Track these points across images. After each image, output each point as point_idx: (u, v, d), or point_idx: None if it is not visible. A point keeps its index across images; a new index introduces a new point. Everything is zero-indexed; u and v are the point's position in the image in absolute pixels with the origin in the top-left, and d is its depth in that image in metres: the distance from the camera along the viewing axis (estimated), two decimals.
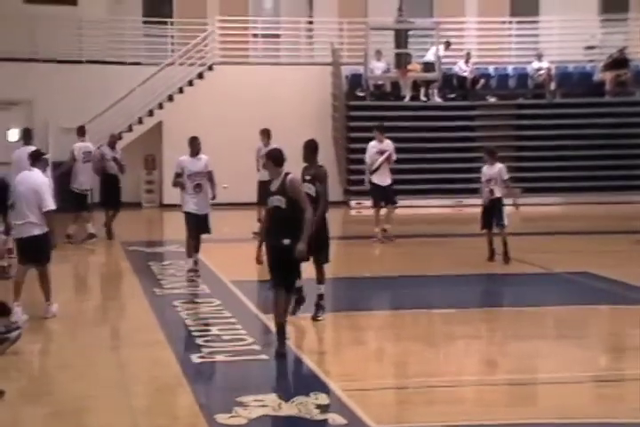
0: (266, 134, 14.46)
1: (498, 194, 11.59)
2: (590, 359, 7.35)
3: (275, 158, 7.33)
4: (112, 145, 14.78)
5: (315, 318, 8.19)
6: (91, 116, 19.19)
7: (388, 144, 13.80)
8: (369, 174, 13.78)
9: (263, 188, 14.73)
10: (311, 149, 8.32)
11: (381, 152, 13.64)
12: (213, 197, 10.80)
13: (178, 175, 10.66)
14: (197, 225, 10.59)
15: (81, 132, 14.41)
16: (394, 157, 13.81)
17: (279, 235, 7.10)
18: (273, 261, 7.22)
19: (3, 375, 6.18)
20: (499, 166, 11.74)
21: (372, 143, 13.87)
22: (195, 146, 10.70)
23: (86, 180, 14.09)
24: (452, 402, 6.11)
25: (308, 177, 8.18)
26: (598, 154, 20.37)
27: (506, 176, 11.70)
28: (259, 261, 8.23)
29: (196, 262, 10.70)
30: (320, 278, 8.34)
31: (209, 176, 10.66)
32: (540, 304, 9.48)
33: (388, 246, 13.50)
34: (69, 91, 19.36)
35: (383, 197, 13.68)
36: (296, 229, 7.04)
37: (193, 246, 10.73)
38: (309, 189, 8.06)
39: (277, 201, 7.14)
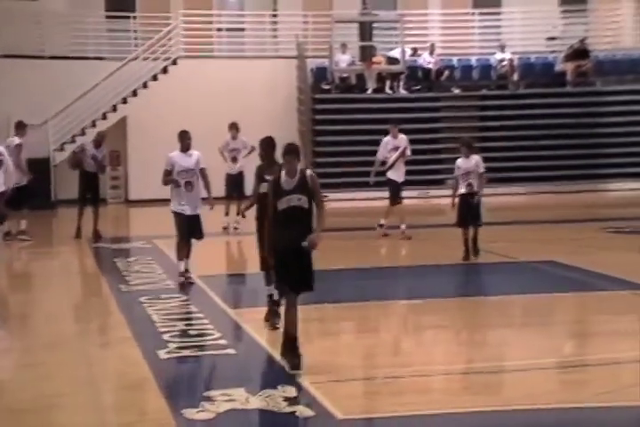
0: (234, 128, 14.44)
1: (476, 188, 11.15)
2: (555, 346, 7.44)
3: (297, 152, 6.59)
4: (97, 144, 14.44)
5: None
6: (54, 111, 19.02)
7: (403, 139, 13.55)
8: (376, 170, 13.59)
9: (231, 181, 14.76)
10: (270, 146, 7.79)
11: (396, 148, 13.41)
12: (208, 197, 10.11)
13: (168, 173, 9.79)
14: (189, 227, 9.80)
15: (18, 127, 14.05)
16: (408, 152, 13.58)
17: (301, 237, 6.43)
18: (290, 266, 6.51)
19: None
20: (475, 158, 11.27)
21: (387, 139, 13.60)
22: (185, 140, 9.90)
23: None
24: (420, 392, 6.15)
25: (268, 176, 7.50)
26: (561, 143, 20.60)
27: (482, 169, 11.26)
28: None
29: (187, 270, 9.95)
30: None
31: (201, 173, 9.92)
32: (506, 293, 9.59)
33: (358, 239, 13.54)
34: (32, 86, 19.14)
35: (397, 193, 13.44)
36: (310, 227, 6.55)
37: (184, 250, 9.99)
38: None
39: (297, 200, 6.46)
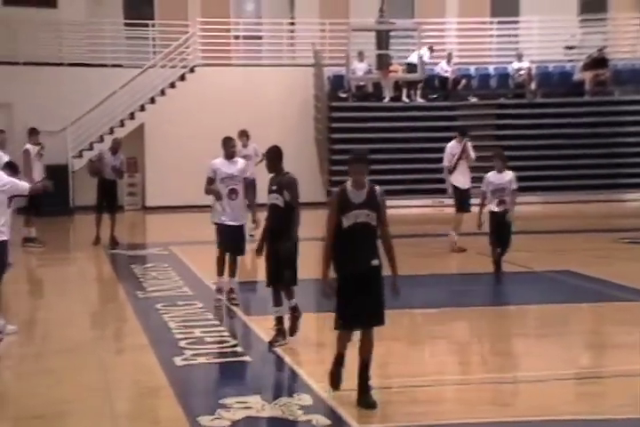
0: (244, 135, 14.46)
1: (508, 206, 10.39)
2: (572, 357, 7.40)
3: (367, 160, 5.95)
4: (114, 151, 14.54)
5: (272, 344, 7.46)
6: (72, 119, 19.16)
7: (467, 145, 13.03)
8: (446, 177, 13.02)
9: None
10: (276, 155, 7.51)
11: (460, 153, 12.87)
12: (249, 205, 9.49)
13: (210, 181, 9.16)
14: (228, 239, 9.01)
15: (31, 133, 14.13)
16: (472, 155, 12.93)
17: (369, 256, 5.84)
18: (358, 293, 5.80)
19: None
20: (510, 174, 10.47)
21: (452, 144, 13.10)
22: (229, 147, 9.26)
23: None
24: (435, 402, 6.14)
25: (274, 187, 7.41)
26: (578, 153, 20.52)
27: (515, 185, 10.48)
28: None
29: (231, 290, 9.18)
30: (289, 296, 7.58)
31: (246, 182, 9.32)
32: (522, 303, 9.55)
33: None
34: (50, 94, 19.30)
35: (463, 200, 12.70)
36: (377, 247, 5.95)
37: (226, 265, 9.25)
38: (276, 199, 7.38)
39: (366, 216, 5.83)
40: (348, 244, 5.83)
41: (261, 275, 11.99)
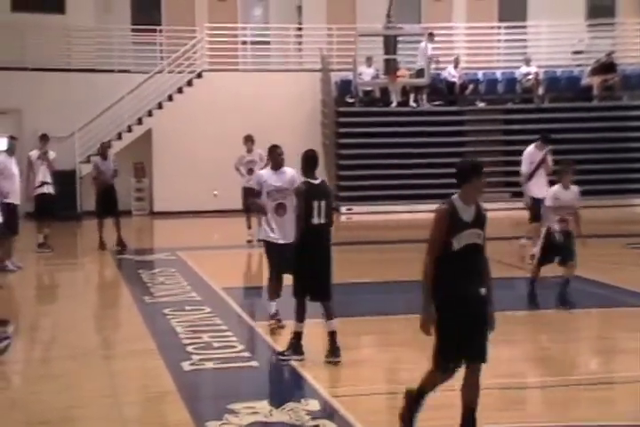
0: (249, 140, 14.47)
1: (570, 225, 9.31)
2: (581, 363, 7.36)
3: (483, 172, 5.22)
4: (104, 155, 14.69)
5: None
6: (80, 124, 19.21)
7: (548, 153, 12.25)
8: (524, 184, 12.25)
9: (248, 194, 14.73)
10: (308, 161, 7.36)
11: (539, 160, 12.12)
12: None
13: (257, 194, 8.20)
14: (286, 259, 7.74)
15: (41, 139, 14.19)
16: (550, 161, 12.16)
17: (476, 282, 5.19)
18: (464, 322, 5.15)
19: None
20: (576, 190, 9.49)
21: (531, 150, 12.32)
22: (276, 156, 8.24)
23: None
24: (443, 407, 6.09)
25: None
26: (587, 158, 20.40)
27: (577, 202, 9.42)
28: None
29: (277, 311, 8.23)
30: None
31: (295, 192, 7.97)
32: (530, 308, 9.49)
33: (381, 253, 13.50)
34: (58, 99, 19.36)
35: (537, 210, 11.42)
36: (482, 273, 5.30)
37: (277, 287, 8.22)
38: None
39: (476, 237, 5.17)
40: (458, 270, 5.15)
41: (264, 279, 12.08)
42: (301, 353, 7.16)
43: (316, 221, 7.16)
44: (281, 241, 7.98)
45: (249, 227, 14.50)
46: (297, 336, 7.20)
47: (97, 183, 14.58)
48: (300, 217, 7.25)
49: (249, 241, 14.35)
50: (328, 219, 7.26)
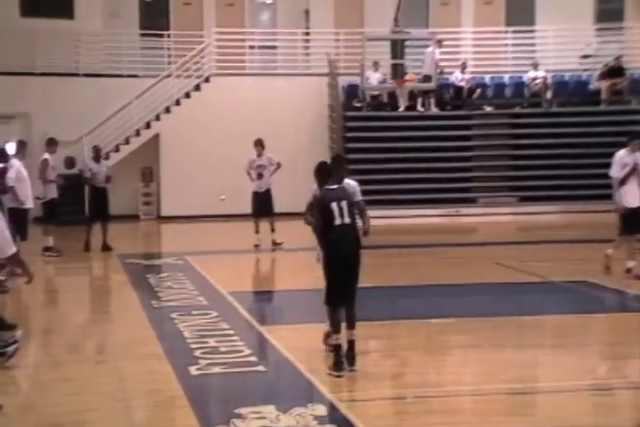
0: (259, 144, 14.49)
1: None
2: (588, 368, 7.35)
3: None
4: (97, 159, 14.81)
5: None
6: (88, 128, 19.28)
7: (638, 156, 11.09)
8: (616, 190, 11.12)
9: (258, 199, 14.78)
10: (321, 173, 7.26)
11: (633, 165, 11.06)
12: (365, 233, 7.48)
13: (312, 207, 7.40)
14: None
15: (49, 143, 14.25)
16: None
17: None
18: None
19: (1, 390, 6.16)
20: None
21: (623, 153, 11.20)
22: (339, 168, 7.42)
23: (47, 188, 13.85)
24: (450, 412, 6.10)
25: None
26: (595, 162, 20.34)
27: None
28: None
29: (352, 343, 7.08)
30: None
31: (359, 206, 7.47)
32: (539, 313, 9.49)
33: (387, 257, 13.50)
34: (67, 104, 19.45)
35: (627, 221, 10.92)
36: None
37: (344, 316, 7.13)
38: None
39: None
40: None
41: (279, 285, 12.10)
42: (340, 369, 6.80)
43: (338, 221, 6.87)
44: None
45: (257, 231, 14.53)
46: (336, 350, 6.87)
47: (89, 186, 14.70)
48: (317, 231, 6.99)
49: (256, 245, 14.38)
50: (352, 218, 6.96)
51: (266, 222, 14.50)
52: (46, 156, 13.93)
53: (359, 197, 7.56)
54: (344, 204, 6.95)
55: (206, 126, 20.06)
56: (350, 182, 7.53)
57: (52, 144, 14.16)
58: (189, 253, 13.77)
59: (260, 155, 14.50)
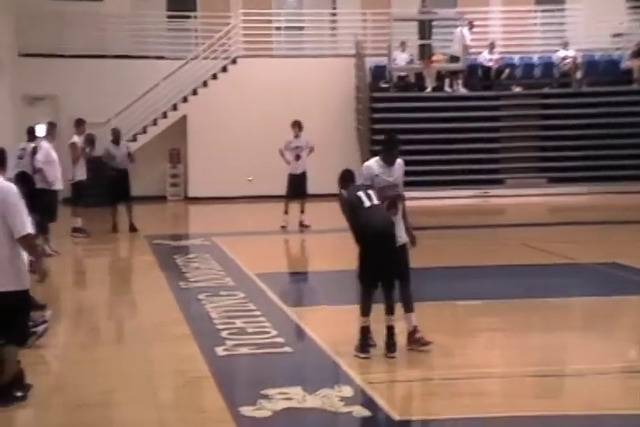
0: (297, 126, 14.36)
1: None
2: (618, 351, 7.28)
3: None
4: (116, 141, 14.83)
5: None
6: (116, 110, 19.35)
7: None
8: None
9: (294, 181, 14.69)
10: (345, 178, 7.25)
11: None
12: (412, 241, 7.26)
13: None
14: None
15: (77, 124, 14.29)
16: None
17: None
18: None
19: (30, 369, 6.23)
20: None
21: None
22: (393, 146, 7.26)
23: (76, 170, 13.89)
24: (478, 394, 6.08)
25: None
26: (625, 143, 20.14)
27: None
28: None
29: (415, 329, 7.12)
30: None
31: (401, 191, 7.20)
32: (567, 295, 9.41)
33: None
34: (95, 86, 19.53)
35: None
36: None
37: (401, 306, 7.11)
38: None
39: None
40: None
41: (307, 267, 12.10)
42: (366, 351, 6.81)
43: (367, 204, 6.85)
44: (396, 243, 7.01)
45: (286, 212, 14.47)
46: (363, 332, 6.86)
47: (110, 168, 14.73)
48: (352, 227, 6.93)
49: (283, 227, 14.36)
50: (379, 200, 6.90)
51: (296, 204, 14.46)
52: (75, 139, 14.00)
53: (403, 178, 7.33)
54: (371, 191, 6.98)
55: (233, 108, 20.05)
56: (398, 161, 7.34)
57: (80, 125, 14.23)
58: (216, 235, 13.82)
59: (297, 136, 14.40)
